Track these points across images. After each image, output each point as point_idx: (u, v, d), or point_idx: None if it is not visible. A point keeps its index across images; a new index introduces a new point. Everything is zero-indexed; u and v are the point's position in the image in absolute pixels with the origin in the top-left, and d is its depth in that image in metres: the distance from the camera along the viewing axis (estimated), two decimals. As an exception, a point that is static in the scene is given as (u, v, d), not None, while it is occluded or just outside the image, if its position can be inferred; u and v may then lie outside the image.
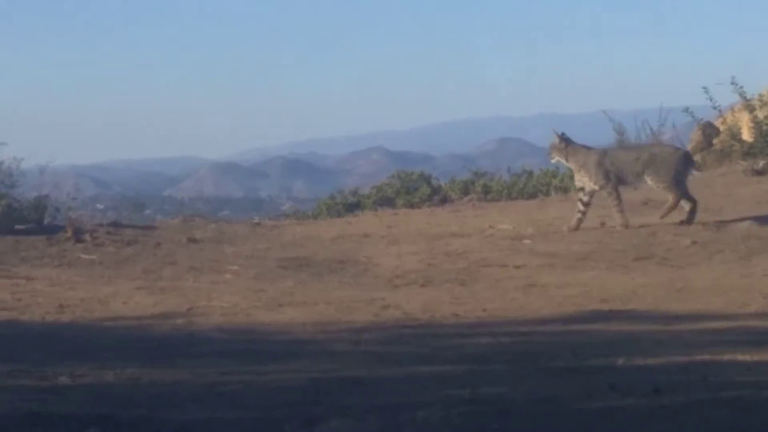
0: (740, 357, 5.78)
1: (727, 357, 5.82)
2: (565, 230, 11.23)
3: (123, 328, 7.29)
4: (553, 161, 11.89)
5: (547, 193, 16.31)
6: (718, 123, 17.69)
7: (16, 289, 8.63)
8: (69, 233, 11.14)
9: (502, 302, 8.08)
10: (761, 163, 15.00)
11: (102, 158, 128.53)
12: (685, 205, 11.17)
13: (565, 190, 15.47)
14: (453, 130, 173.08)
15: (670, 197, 11.21)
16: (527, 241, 10.86)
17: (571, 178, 12.39)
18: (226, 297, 8.36)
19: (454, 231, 11.92)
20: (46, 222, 12.36)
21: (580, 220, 11.23)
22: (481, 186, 17.20)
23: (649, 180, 11.24)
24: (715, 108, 17.35)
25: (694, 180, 11.72)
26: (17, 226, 11.71)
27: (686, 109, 17.74)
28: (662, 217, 11.14)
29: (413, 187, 18.00)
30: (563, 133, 11.51)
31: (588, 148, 11.52)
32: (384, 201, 17.65)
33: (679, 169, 11.22)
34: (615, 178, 11.26)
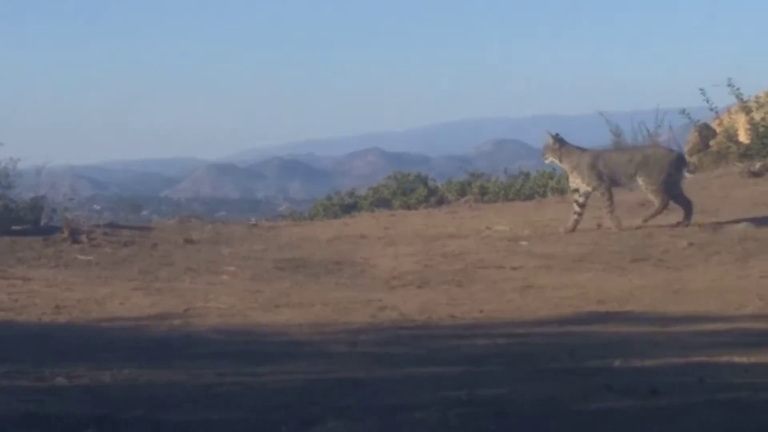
0: (737, 359, 5.79)
1: (723, 359, 5.82)
2: (561, 232, 11.23)
3: (120, 329, 7.28)
4: (546, 162, 11.90)
5: (543, 195, 16.33)
6: (714, 125, 17.74)
7: (13, 289, 8.62)
8: (66, 234, 11.13)
9: (498, 303, 8.08)
10: (758, 165, 15.02)
11: (99, 159, 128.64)
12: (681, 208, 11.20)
13: (561, 191, 15.48)
14: (450, 132, 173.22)
15: (655, 202, 11.20)
16: (524, 243, 10.86)
17: (568, 179, 12.41)
18: (222, 298, 8.36)
19: (451, 232, 11.92)
20: (42, 223, 12.36)
21: (576, 222, 11.23)
22: (477, 187, 17.23)
23: (639, 181, 11.23)
24: (711, 110, 17.38)
25: (691, 181, 11.73)
26: (14, 227, 11.70)
27: (683, 111, 17.79)
28: (644, 221, 11.12)
29: (410, 188, 18.04)
30: (557, 134, 11.52)
31: (582, 150, 11.52)
32: (381, 202, 17.67)
33: (671, 172, 11.21)
34: (608, 180, 11.27)
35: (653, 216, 11.16)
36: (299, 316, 7.66)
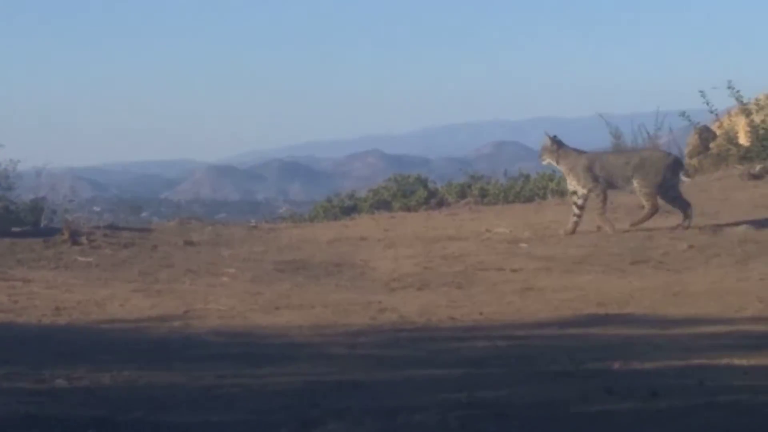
0: (737, 361, 5.79)
1: (723, 361, 5.82)
2: (561, 234, 11.23)
3: (119, 330, 7.28)
4: (543, 163, 11.90)
5: (543, 197, 16.33)
6: (714, 127, 17.76)
7: (13, 291, 8.62)
8: (66, 236, 11.13)
9: (498, 306, 8.08)
10: (758, 167, 15.03)
11: (99, 161, 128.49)
12: (680, 210, 11.20)
13: (561, 193, 15.47)
14: (450, 134, 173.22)
15: (646, 206, 11.20)
16: (524, 245, 10.86)
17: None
18: (222, 300, 8.36)
19: (451, 234, 11.92)
20: (42, 224, 12.37)
21: (576, 224, 11.23)
22: (477, 189, 17.22)
23: (635, 183, 11.23)
24: (711, 112, 17.40)
25: (691, 184, 11.73)
26: (14, 229, 11.71)
27: (683, 113, 17.81)
28: (633, 225, 11.12)
29: (410, 190, 18.03)
30: (555, 136, 11.53)
31: (579, 152, 11.53)
32: (381, 204, 17.67)
33: (668, 175, 11.21)
34: (605, 182, 11.28)
35: (642, 221, 11.16)
36: (299, 317, 7.66)
